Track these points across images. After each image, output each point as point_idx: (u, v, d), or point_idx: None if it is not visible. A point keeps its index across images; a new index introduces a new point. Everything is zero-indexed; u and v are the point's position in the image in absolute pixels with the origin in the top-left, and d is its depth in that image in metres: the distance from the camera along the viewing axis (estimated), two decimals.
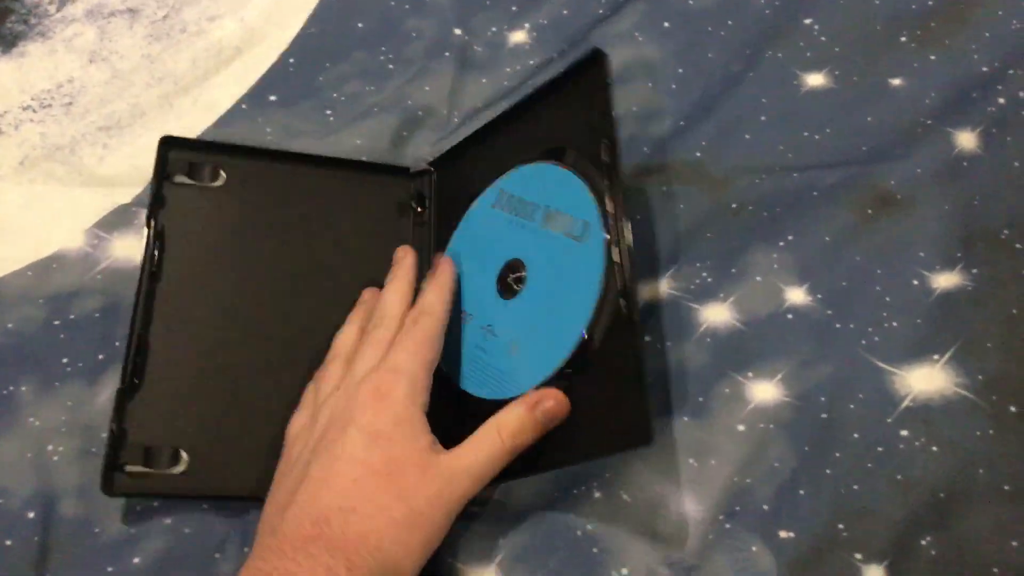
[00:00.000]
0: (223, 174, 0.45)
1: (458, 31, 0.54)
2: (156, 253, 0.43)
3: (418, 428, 0.37)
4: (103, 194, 0.50)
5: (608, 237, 0.38)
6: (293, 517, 0.34)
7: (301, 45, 0.54)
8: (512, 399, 0.38)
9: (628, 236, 0.38)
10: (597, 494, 0.39)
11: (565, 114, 0.43)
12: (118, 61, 0.55)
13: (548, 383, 0.38)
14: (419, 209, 0.48)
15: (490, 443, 0.37)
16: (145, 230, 0.43)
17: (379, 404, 0.37)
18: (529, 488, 0.40)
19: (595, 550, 0.38)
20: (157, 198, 0.44)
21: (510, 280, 0.42)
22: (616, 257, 0.38)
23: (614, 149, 0.39)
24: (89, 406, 0.44)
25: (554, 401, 0.37)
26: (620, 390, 0.36)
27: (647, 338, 0.42)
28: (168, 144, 0.45)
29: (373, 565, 0.33)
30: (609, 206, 0.38)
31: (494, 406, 0.38)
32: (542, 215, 0.42)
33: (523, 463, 0.37)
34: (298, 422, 0.40)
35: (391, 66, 0.53)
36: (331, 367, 0.41)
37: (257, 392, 0.42)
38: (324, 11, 0.56)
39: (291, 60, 0.54)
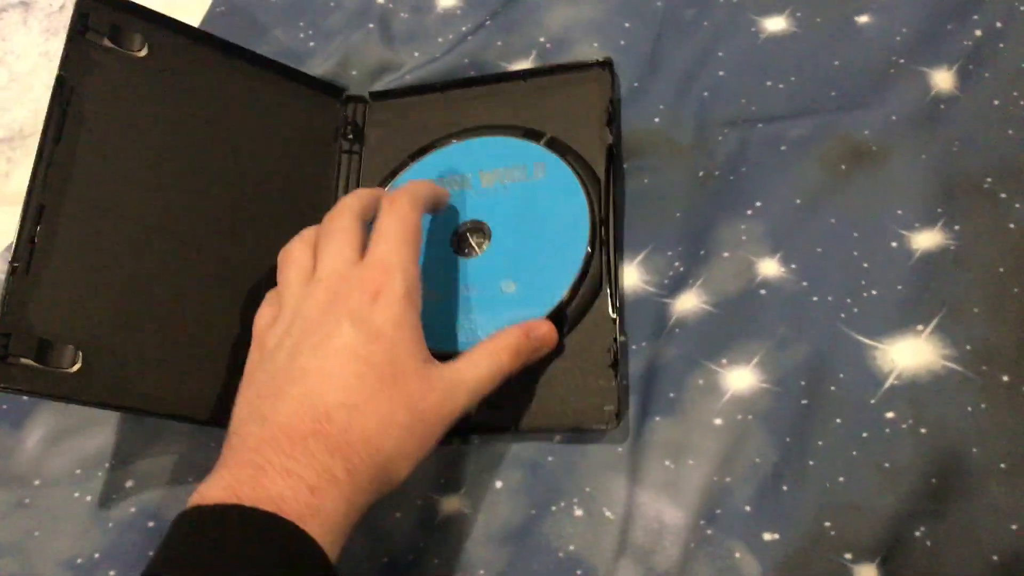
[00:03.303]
0: (147, 46, 0.40)
1: None
2: (63, 116, 0.37)
3: (418, 334, 0.35)
4: (12, 213, 0.46)
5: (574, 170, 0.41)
6: (289, 409, 0.32)
7: (211, 27, 0.49)
8: None
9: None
10: (578, 512, 0.37)
11: (547, 101, 0.44)
12: (15, 62, 0.50)
13: (558, 310, 0.39)
14: (350, 137, 0.46)
15: (489, 361, 0.36)
16: (52, 86, 0.37)
17: (375, 303, 0.34)
18: (507, 504, 0.38)
19: (579, 572, 0.35)
20: (71, 57, 0.38)
21: (472, 242, 0.42)
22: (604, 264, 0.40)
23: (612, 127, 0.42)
24: (18, 454, 0.41)
25: (547, 329, 0.39)
26: (593, 371, 0.38)
27: (622, 338, 0.39)
28: None
29: (371, 467, 0.32)
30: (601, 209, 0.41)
31: None
32: (474, 180, 0.42)
33: (499, 419, 0.39)
34: (267, 314, 0.38)
35: (312, 43, 0.48)
36: (289, 268, 0.38)
37: (165, 295, 0.38)
38: None
39: None
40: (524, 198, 0.42)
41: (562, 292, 0.39)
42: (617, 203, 0.42)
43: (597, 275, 0.40)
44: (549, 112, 0.44)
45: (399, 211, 0.37)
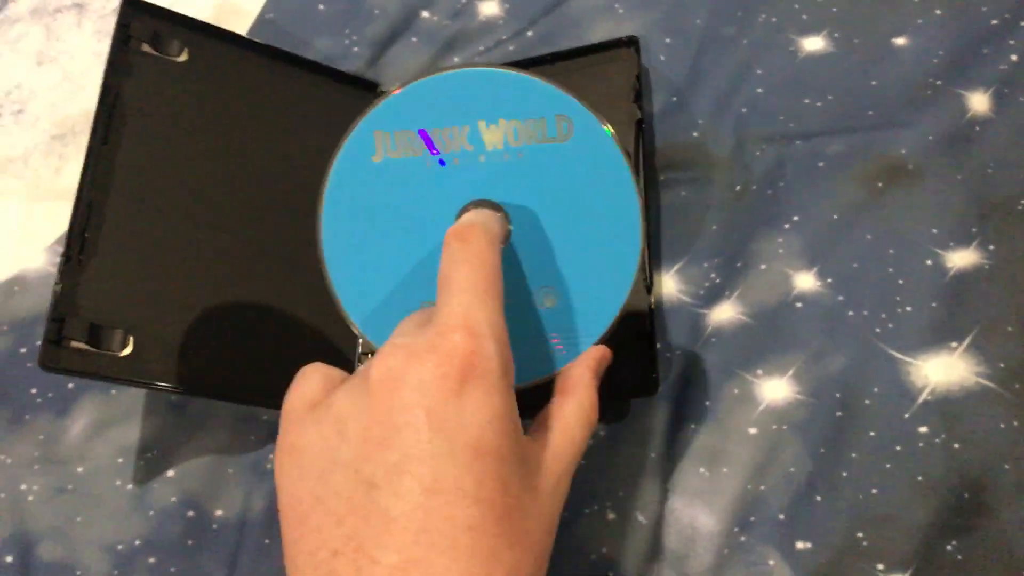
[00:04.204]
0: (187, 51, 0.42)
1: (424, 7, 0.50)
2: (109, 119, 0.39)
3: (516, 419, 0.27)
4: (63, 207, 0.47)
5: (611, 132, 0.34)
6: None
7: (260, 33, 0.50)
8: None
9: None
10: (611, 515, 0.37)
11: (575, 82, 0.39)
12: (68, 62, 0.51)
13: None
14: None
15: (582, 429, 0.29)
16: (99, 92, 0.39)
17: (464, 391, 0.25)
18: None
19: (611, 574, 0.36)
20: (115, 62, 0.40)
21: None
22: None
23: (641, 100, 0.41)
24: (62, 439, 0.42)
25: (607, 355, 0.33)
26: (629, 340, 0.36)
27: (658, 345, 0.40)
28: (132, 6, 0.41)
29: None
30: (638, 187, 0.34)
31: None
32: (473, 135, 0.34)
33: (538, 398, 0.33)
34: (303, 391, 0.29)
35: (356, 49, 0.49)
36: None
37: (210, 282, 0.40)
38: None
39: None
40: (549, 170, 0.34)
41: (615, 312, 0.34)
42: (648, 180, 0.41)
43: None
44: (576, 92, 0.42)
45: (476, 251, 0.29)
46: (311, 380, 0.30)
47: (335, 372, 0.30)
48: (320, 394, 0.29)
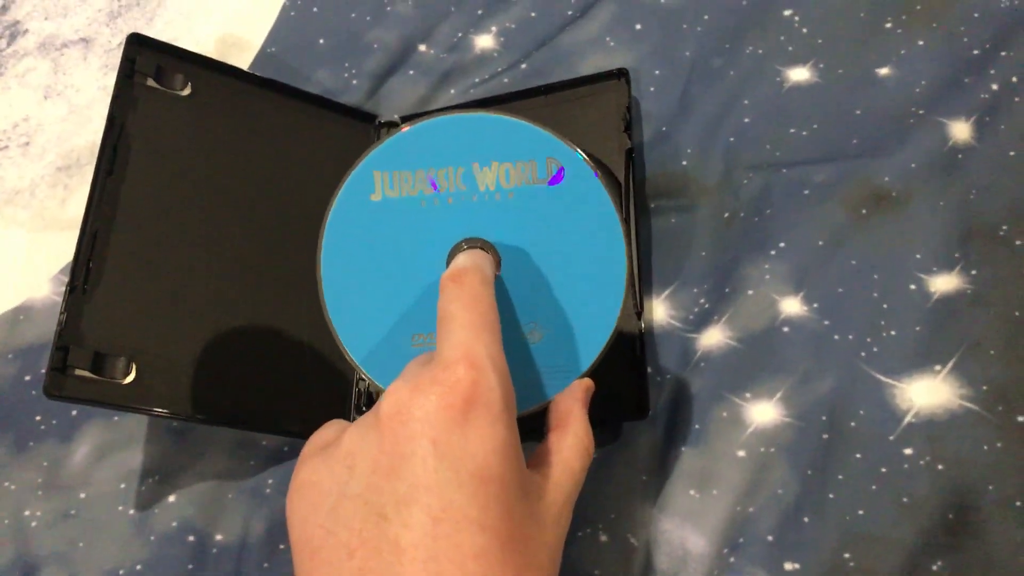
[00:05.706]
0: (190, 85, 0.44)
1: (421, 41, 0.51)
2: (114, 151, 0.40)
3: (519, 449, 0.28)
4: (67, 238, 0.49)
5: (600, 176, 0.35)
6: None
7: (261, 67, 0.52)
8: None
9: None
10: (603, 537, 0.38)
11: (566, 113, 0.44)
12: (74, 95, 0.53)
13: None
14: None
15: (580, 460, 0.30)
16: (104, 125, 0.41)
17: (467, 421, 0.26)
18: None
19: None
20: (120, 96, 0.42)
21: None
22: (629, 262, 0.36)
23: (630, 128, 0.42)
24: (66, 465, 0.43)
25: (591, 386, 0.34)
26: (620, 365, 0.37)
27: (649, 369, 0.40)
28: (137, 42, 0.43)
29: None
30: (624, 211, 0.38)
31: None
32: (467, 176, 0.35)
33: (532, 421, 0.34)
34: (323, 435, 0.31)
35: (355, 81, 0.51)
36: None
37: (211, 312, 0.41)
38: (283, 27, 0.53)
39: None
40: (538, 210, 0.35)
41: (600, 345, 0.35)
42: (638, 207, 0.42)
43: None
44: (568, 123, 0.44)
45: (471, 291, 0.30)
46: (328, 428, 0.32)
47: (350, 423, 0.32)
48: (334, 438, 0.30)
